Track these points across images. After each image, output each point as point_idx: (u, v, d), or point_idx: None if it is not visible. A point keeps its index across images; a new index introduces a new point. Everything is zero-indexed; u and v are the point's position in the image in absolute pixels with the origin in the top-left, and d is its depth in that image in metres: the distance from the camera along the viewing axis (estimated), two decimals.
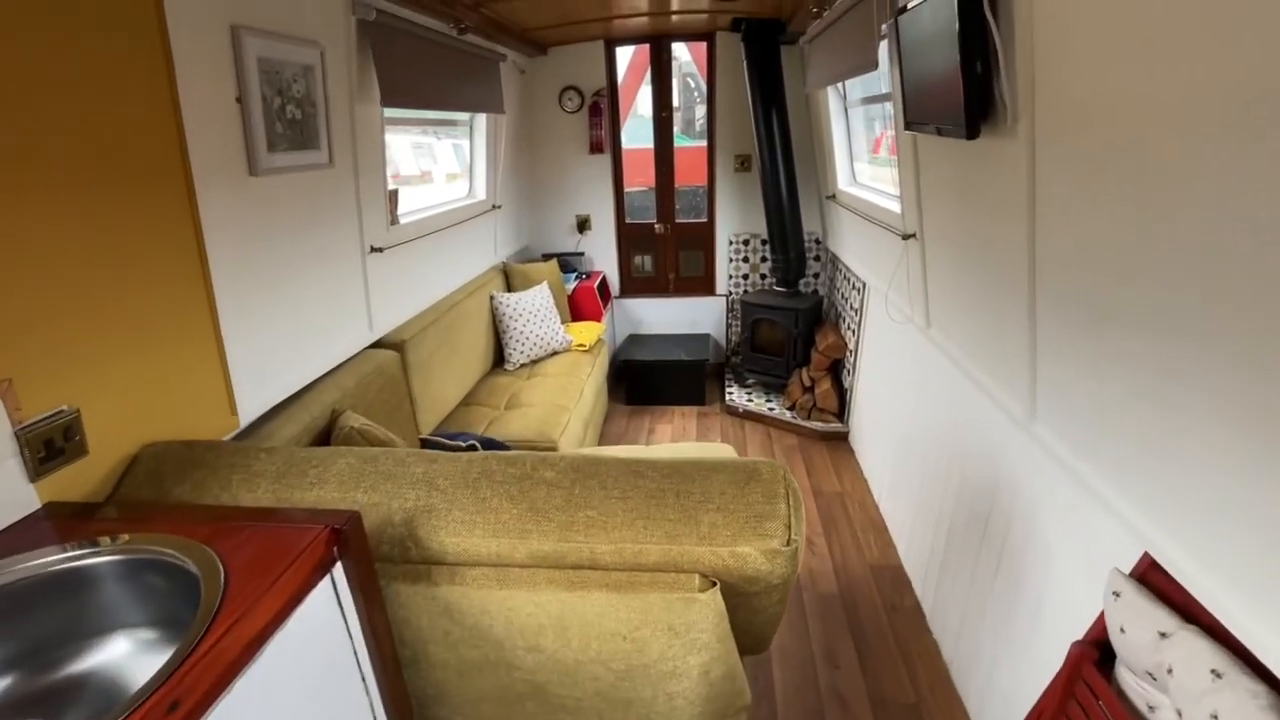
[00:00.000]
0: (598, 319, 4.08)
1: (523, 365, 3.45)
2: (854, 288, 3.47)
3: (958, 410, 2.01)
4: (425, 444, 1.91)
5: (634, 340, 4.46)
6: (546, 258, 4.37)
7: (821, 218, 4.06)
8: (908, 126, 1.79)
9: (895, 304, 2.45)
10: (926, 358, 2.27)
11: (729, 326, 4.53)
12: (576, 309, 4.08)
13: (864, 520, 2.92)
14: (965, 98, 1.33)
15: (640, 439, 3.77)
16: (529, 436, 2.63)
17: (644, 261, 4.53)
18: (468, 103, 2.99)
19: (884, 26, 1.92)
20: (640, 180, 4.43)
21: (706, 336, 4.46)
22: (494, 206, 3.66)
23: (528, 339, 3.42)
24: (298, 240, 1.90)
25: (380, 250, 2.35)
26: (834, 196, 3.49)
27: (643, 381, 4.16)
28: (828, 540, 2.81)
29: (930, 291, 2.09)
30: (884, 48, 2.07)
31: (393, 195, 2.55)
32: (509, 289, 3.74)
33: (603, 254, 4.47)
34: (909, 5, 1.63)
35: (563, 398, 3.00)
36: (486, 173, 3.52)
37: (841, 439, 3.61)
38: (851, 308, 3.50)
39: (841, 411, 3.65)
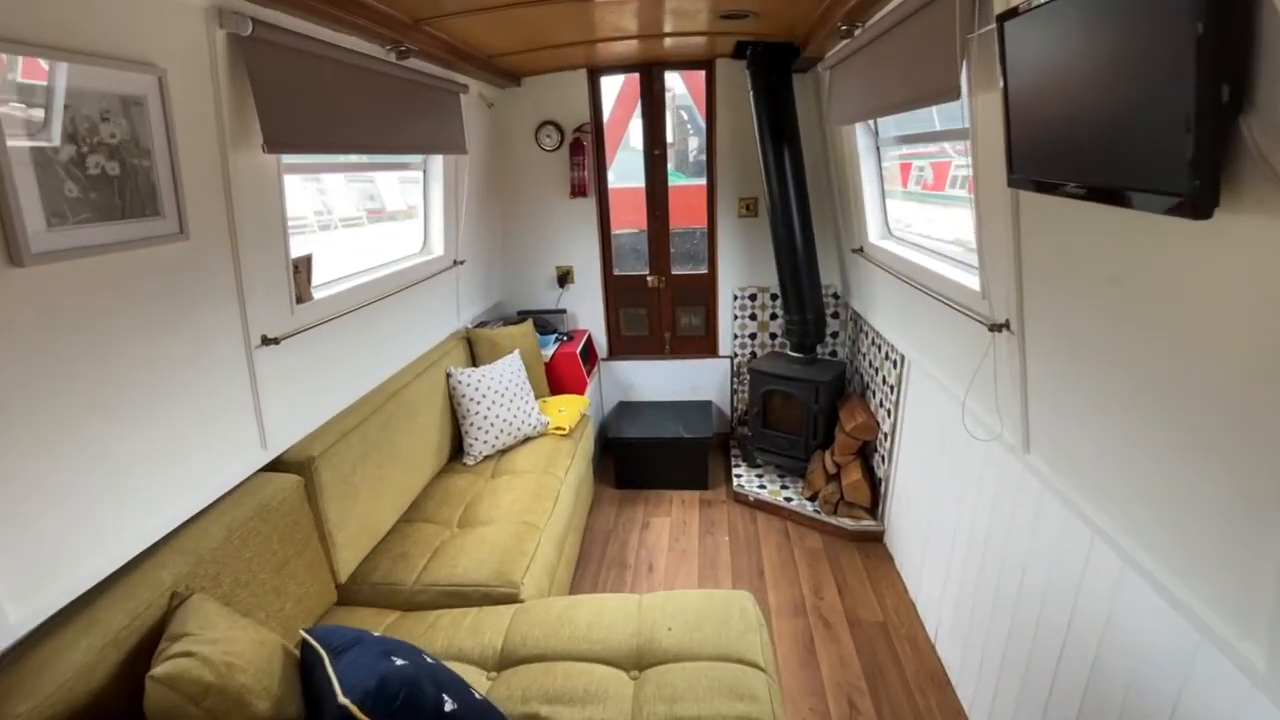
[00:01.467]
0: (581, 390, 3.46)
1: (487, 458, 2.82)
2: (888, 358, 2.87)
3: (1091, 581, 1.39)
4: (305, 657, 1.28)
5: (625, 410, 3.84)
6: (522, 316, 3.77)
7: (842, 270, 3.49)
8: (1021, 184, 1.21)
9: (973, 412, 1.84)
10: (1022, 489, 1.65)
11: (734, 393, 3.92)
12: (555, 379, 3.46)
13: (919, 669, 2.27)
14: (1198, 147, 0.74)
15: (632, 537, 3.12)
16: (483, 578, 1.99)
17: (635, 318, 3.93)
18: (415, 143, 2.41)
19: (970, 38, 1.36)
20: (630, 221, 3.87)
21: (708, 405, 3.85)
22: (455, 263, 3.07)
23: (493, 425, 2.79)
24: (123, 349, 1.29)
25: (276, 341, 1.74)
26: (861, 250, 2.93)
27: (635, 462, 3.53)
28: (874, 699, 2.16)
29: (1032, 406, 1.49)
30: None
31: (302, 264, 1.95)
32: (473, 361, 3.13)
33: (588, 310, 3.88)
34: (1028, 2, 1.06)
35: (533, 511, 2.37)
36: (445, 224, 2.94)
37: (875, 539, 2.97)
38: (885, 382, 2.90)
39: (874, 505, 3.02)
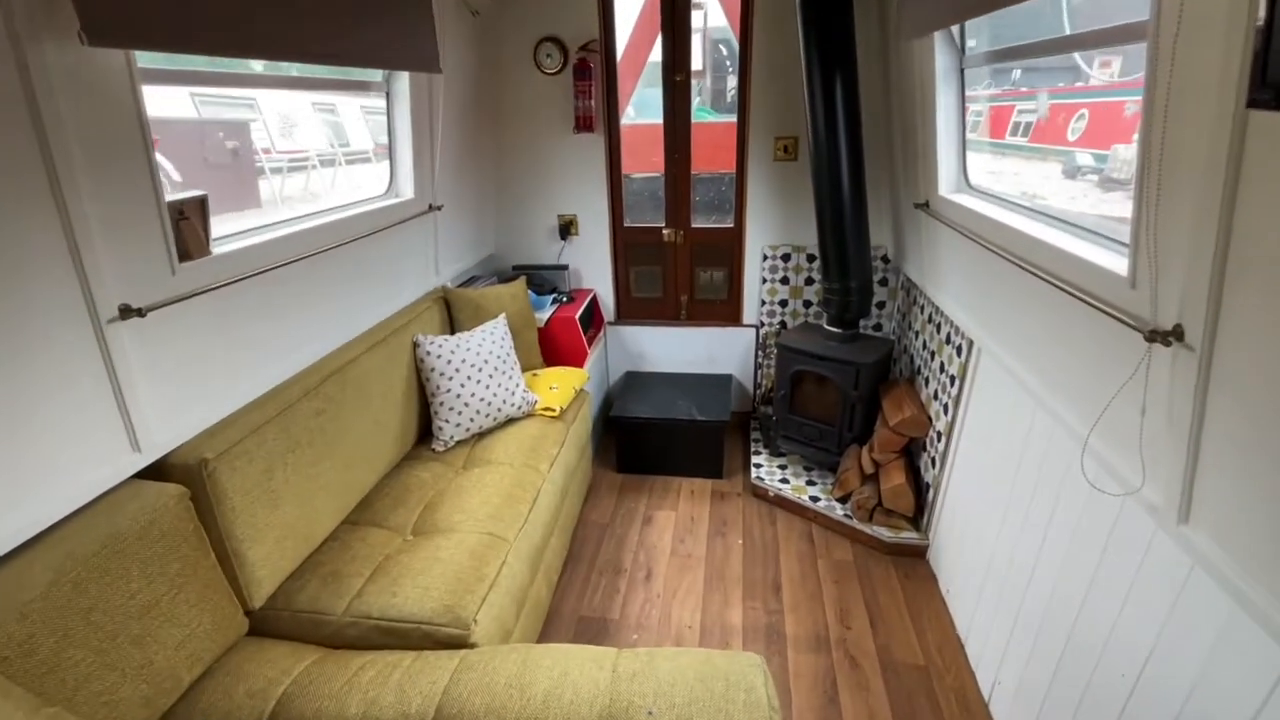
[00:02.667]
0: (580, 360, 3.01)
1: (460, 443, 2.40)
2: (949, 342, 2.34)
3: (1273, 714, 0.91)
4: None
5: (632, 382, 3.38)
6: (518, 272, 3.29)
7: (896, 229, 2.91)
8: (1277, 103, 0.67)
9: (1098, 451, 1.32)
10: (1160, 565, 1.16)
11: (759, 367, 3.42)
12: (551, 347, 3.01)
13: None
14: None
15: (631, 534, 2.72)
16: (427, 613, 1.59)
17: (648, 277, 3.42)
18: (364, 53, 1.90)
19: None
20: (645, 164, 3.31)
21: (728, 380, 3.37)
22: (431, 208, 2.59)
23: (468, 405, 2.37)
24: None
25: (141, 313, 1.31)
26: (926, 205, 2.34)
27: (640, 444, 3.10)
28: None
29: (1206, 459, 0.98)
30: None
31: (193, 209, 1.49)
32: (451, 326, 2.68)
33: (593, 267, 3.38)
34: None
35: (503, 517, 1.96)
36: (417, 161, 2.44)
37: (916, 555, 2.51)
38: (944, 370, 2.38)
39: (918, 514, 2.55)
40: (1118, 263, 1.18)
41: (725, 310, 3.40)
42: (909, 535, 2.52)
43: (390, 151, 2.41)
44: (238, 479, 1.53)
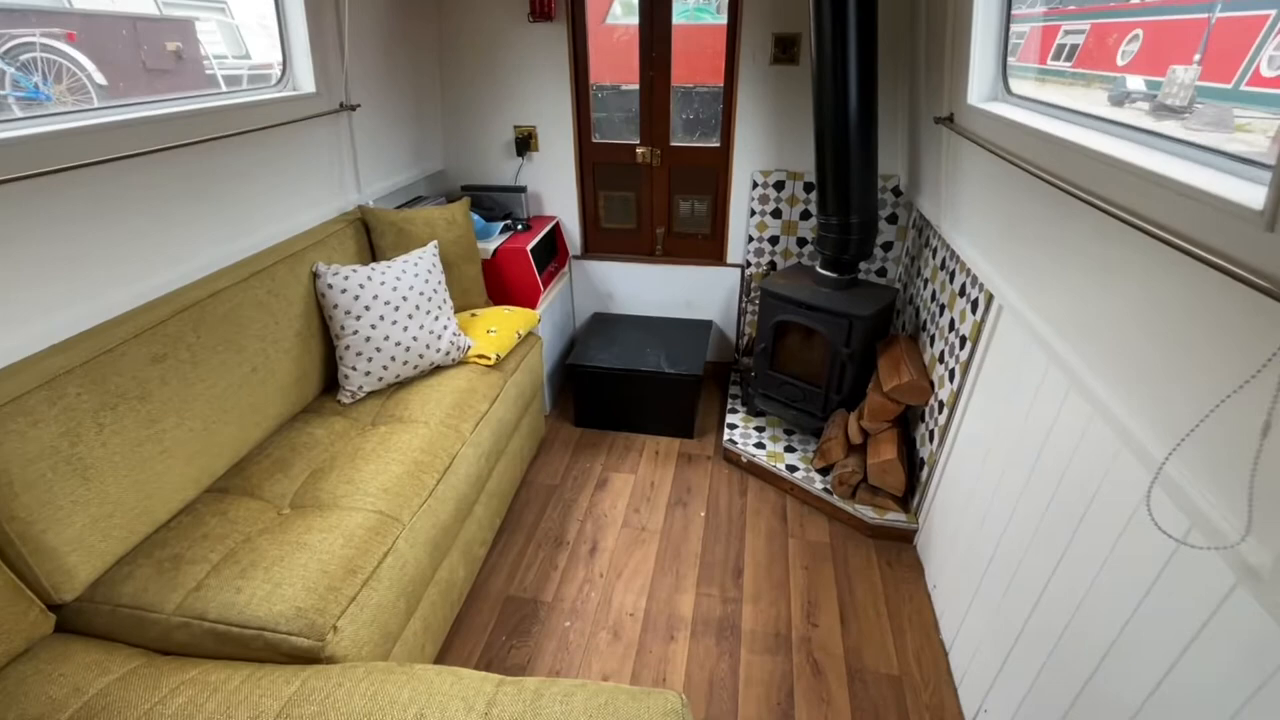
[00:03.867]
0: (533, 299, 2.61)
1: (372, 395, 2.04)
2: (963, 294, 1.92)
3: None
4: None
5: (599, 326, 2.99)
6: (466, 192, 2.84)
7: (911, 154, 2.42)
8: None
9: (1170, 479, 0.92)
10: (1245, 640, 0.79)
11: (743, 314, 3.01)
12: (498, 284, 2.60)
13: None
14: None
15: (581, 499, 2.40)
16: (271, 618, 1.27)
17: (620, 204, 2.96)
18: None
19: None
20: (618, 73, 2.79)
21: (707, 326, 2.97)
22: (344, 107, 2.12)
23: (381, 350, 1.99)
24: None
25: None
26: (950, 119, 1.86)
27: (602, 397, 2.74)
28: None
29: None
30: None
31: None
32: (372, 254, 2.26)
33: (556, 191, 2.91)
34: None
35: (403, 492, 1.62)
36: (314, 46, 1.95)
37: (903, 539, 2.19)
38: (953, 328, 1.97)
39: (908, 493, 2.20)
40: (1250, 194, 0.75)
41: (707, 246, 2.95)
42: (896, 517, 2.18)
43: (280, 30, 1.92)
44: (17, 447, 1.17)
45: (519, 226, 2.72)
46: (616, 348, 2.78)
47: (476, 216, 2.63)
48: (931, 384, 2.10)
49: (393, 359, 2.01)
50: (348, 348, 1.96)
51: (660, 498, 2.42)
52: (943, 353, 2.04)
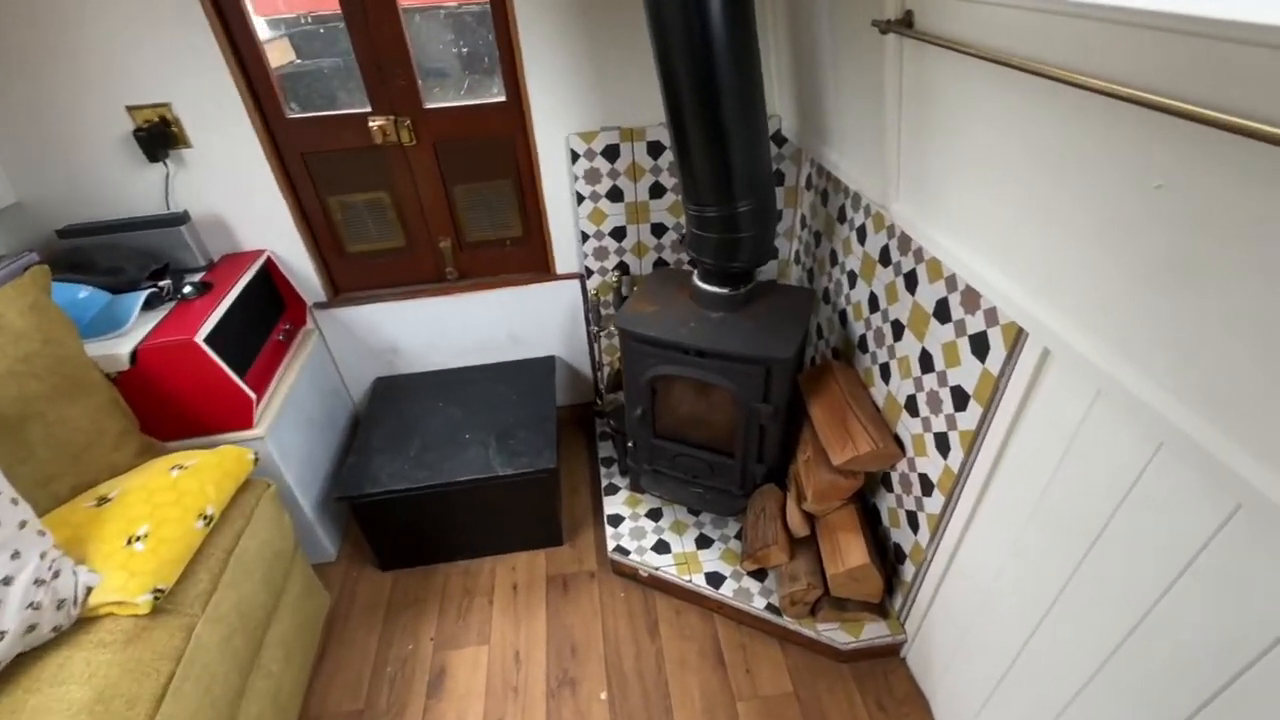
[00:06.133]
0: (241, 418, 1.51)
1: None
2: (946, 319, 1.18)
3: None
4: None
5: (386, 397, 1.94)
6: (66, 239, 1.59)
7: (797, 82, 1.58)
8: None
9: None
10: None
11: (594, 336, 2.11)
12: (158, 413, 1.45)
13: None
14: None
15: (408, 716, 1.47)
16: None
17: (366, 212, 1.86)
18: None
19: None
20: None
21: (549, 365, 2.04)
22: None
23: None
24: None
25: None
26: (908, 22, 1.02)
27: (413, 523, 1.75)
28: None
29: None
30: None
31: None
32: None
33: (247, 206, 1.73)
34: None
35: None
36: None
37: (888, 655, 1.54)
38: (933, 371, 1.24)
39: (884, 594, 1.53)
40: None
41: (522, 256, 1.97)
42: (876, 631, 1.51)
43: None
44: None
45: (187, 290, 1.55)
46: (416, 440, 1.78)
47: (84, 291, 1.43)
48: (902, 444, 1.40)
49: None
50: None
51: (534, 683, 1.55)
52: (914, 401, 1.32)
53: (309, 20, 1.65)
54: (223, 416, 1.50)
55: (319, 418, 1.87)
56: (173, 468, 1.29)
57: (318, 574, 1.69)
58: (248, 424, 1.53)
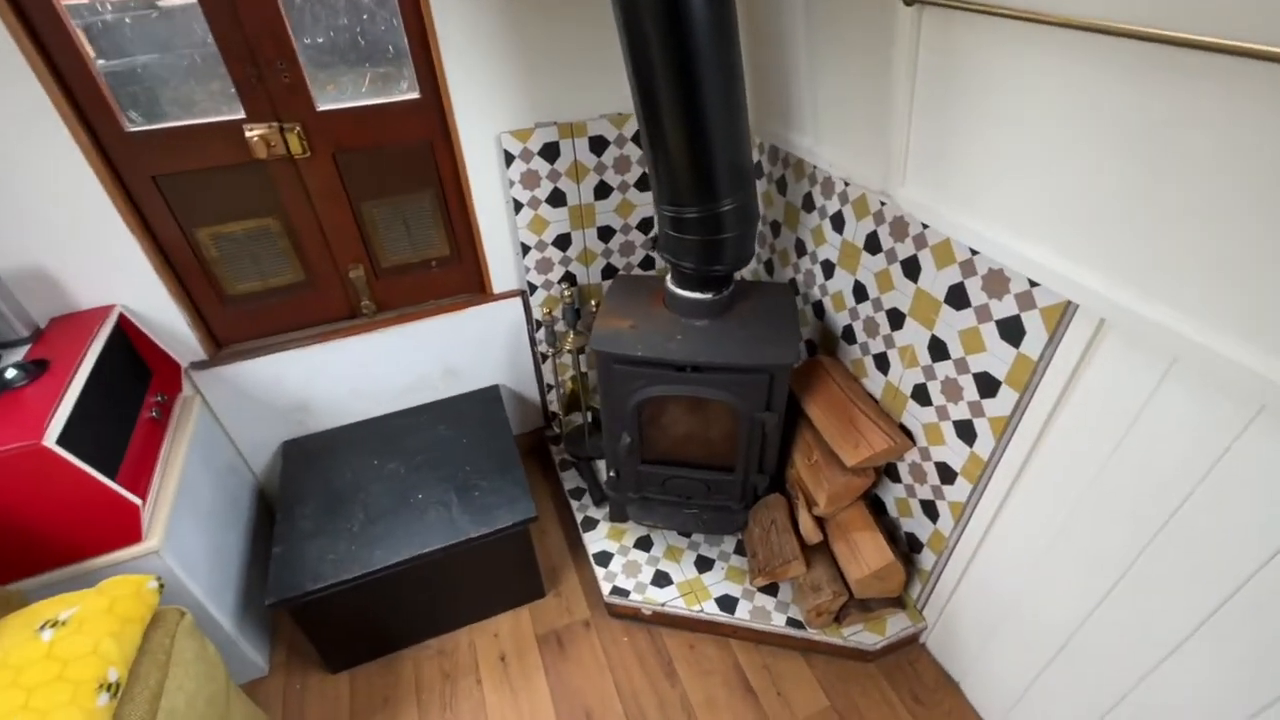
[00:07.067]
0: (126, 533, 1.14)
1: None
2: (986, 315, 1.14)
3: None
4: None
5: (301, 464, 1.60)
6: None
7: (759, 62, 1.47)
8: None
9: None
10: None
11: (540, 356, 1.90)
12: None
13: None
14: None
15: None
16: None
17: (254, 242, 1.50)
18: None
19: None
20: None
21: (493, 396, 1.80)
22: None
23: None
24: None
25: None
26: None
27: (371, 609, 1.46)
28: None
29: None
30: None
31: None
32: None
33: (84, 251, 1.31)
34: None
35: None
36: None
37: (909, 644, 1.52)
38: (950, 359, 1.21)
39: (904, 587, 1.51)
40: None
41: (451, 277, 1.70)
42: (899, 625, 1.48)
43: None
44: None
45: (10, 375, 1.13)
46: (356, 512, 1.48)
47: None
48: (910, 434, 1.36)
49: None
50: None
51: None
52: (925, 390, 1.28)
53: (136, 3, 1.26)
54: (99, 535, 1.12)
55: (219, 506, 1.49)
56: (43, 626, 0.93)
57: (249, 695, 1.35)
58: (135, 537, 1.16)
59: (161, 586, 1.07)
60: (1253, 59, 0.60)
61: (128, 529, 1.15)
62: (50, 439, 1.03)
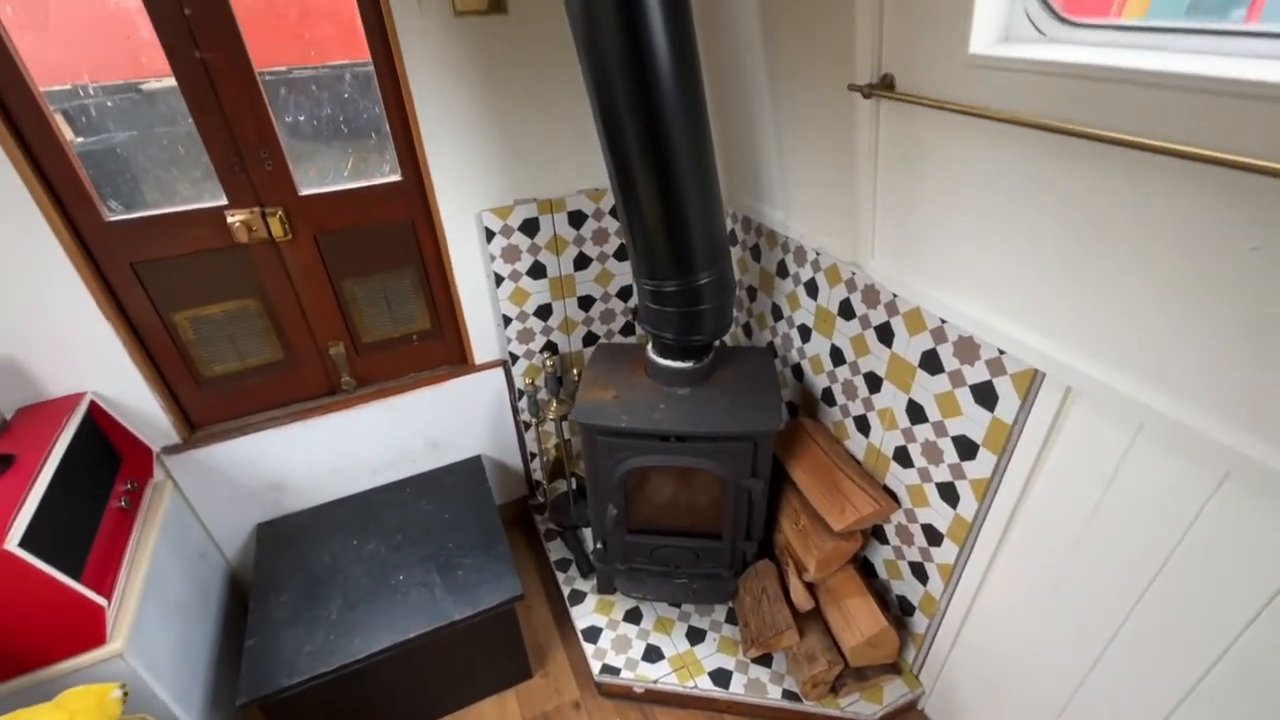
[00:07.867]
0: (91, 635, 1.08)
1: None
2: (958, 381, 1.17)
3: None
4: None
5: (277, 548, 1.55)
6: None
7: (734, 139, 1.54)
8: None
9: None
10: None
11: (525, 426, 1.89)
12: None
13: None
14: None
15: None
16: None
17: (232, 324, 1.49)
18: None
19: None
20: (111, 62, 1.26)
21: (476, 468, 1.77)
22: None
23: None
24: None
25: None
26: (889, 84, 1.00)
27: (349, 702, 1.39)
28: None
29: None
30: None
31: None
32: None
33: (55, 338, 1.29)
34: None
35: None
36: None
37: (907, 711, 1.48)
38: (938, 427, 1.23)
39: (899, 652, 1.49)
40: None
41: (433, 350, 1.71)
42: (897, 691, 1.46)
43: None
44: None
45: None
46: (334, 598, 1.42)
47: None
48: (895, 496, 1.37)
49: None
50: None
51: None
52: (906, 452, 1.30)
53: (130, 89, 1.29)
54: (61, 640, 1.06)
55: (188, 597, 1.43)
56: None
57: None
58: (98, 640, 1.10)
59: (126, 695, 1.01)
60: (1158, 154, 0.65)
61: (92, 632, 1.10)
62: (12, 542, 0.98)
